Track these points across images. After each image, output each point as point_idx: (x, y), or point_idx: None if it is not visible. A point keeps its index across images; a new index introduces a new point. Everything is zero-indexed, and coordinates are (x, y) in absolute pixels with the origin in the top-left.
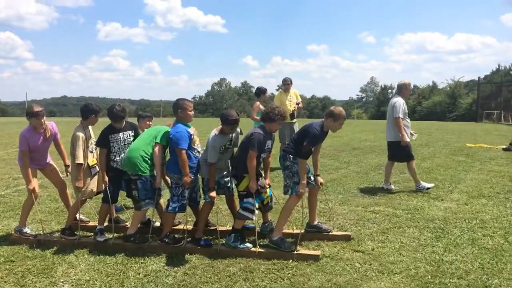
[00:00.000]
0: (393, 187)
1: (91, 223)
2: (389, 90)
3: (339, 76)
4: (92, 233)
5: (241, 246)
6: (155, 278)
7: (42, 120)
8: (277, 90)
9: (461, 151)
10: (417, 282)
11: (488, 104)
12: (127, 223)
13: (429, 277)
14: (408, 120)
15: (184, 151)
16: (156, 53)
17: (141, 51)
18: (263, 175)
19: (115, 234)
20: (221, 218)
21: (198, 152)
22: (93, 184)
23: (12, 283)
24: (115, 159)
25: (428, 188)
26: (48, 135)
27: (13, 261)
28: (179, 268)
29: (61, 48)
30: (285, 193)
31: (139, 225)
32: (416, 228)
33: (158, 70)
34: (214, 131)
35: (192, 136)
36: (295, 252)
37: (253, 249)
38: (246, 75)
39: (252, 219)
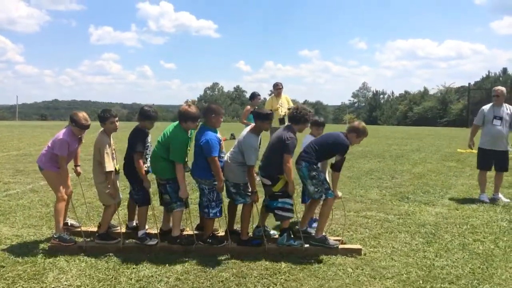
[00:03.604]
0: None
1: (85, 228)
2: (381, 96)
3: (331, 81)
4: (81, 238)
5: (295, 243)
6: (147, 284)
7: (84, 132)
8: (270, 95)
9: (452, 157)
10: (409, 287)
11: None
12: (118, 228)
13: (421, 282)
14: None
15: (216, 158)
16: (148, 57)
17: (133, 55)
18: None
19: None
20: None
21: (222, 157)
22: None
23: None
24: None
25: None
26: (81, 142)
27: (3, 267)
28: (171, 274)
29: (53, 51)
30: (317, 198)
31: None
32: (407, 233)
33: (151, 74)
34: (248, 132)
35: (221, 142)
36: (339, 247)
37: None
38: (239, 80)
39: (292, 217)
